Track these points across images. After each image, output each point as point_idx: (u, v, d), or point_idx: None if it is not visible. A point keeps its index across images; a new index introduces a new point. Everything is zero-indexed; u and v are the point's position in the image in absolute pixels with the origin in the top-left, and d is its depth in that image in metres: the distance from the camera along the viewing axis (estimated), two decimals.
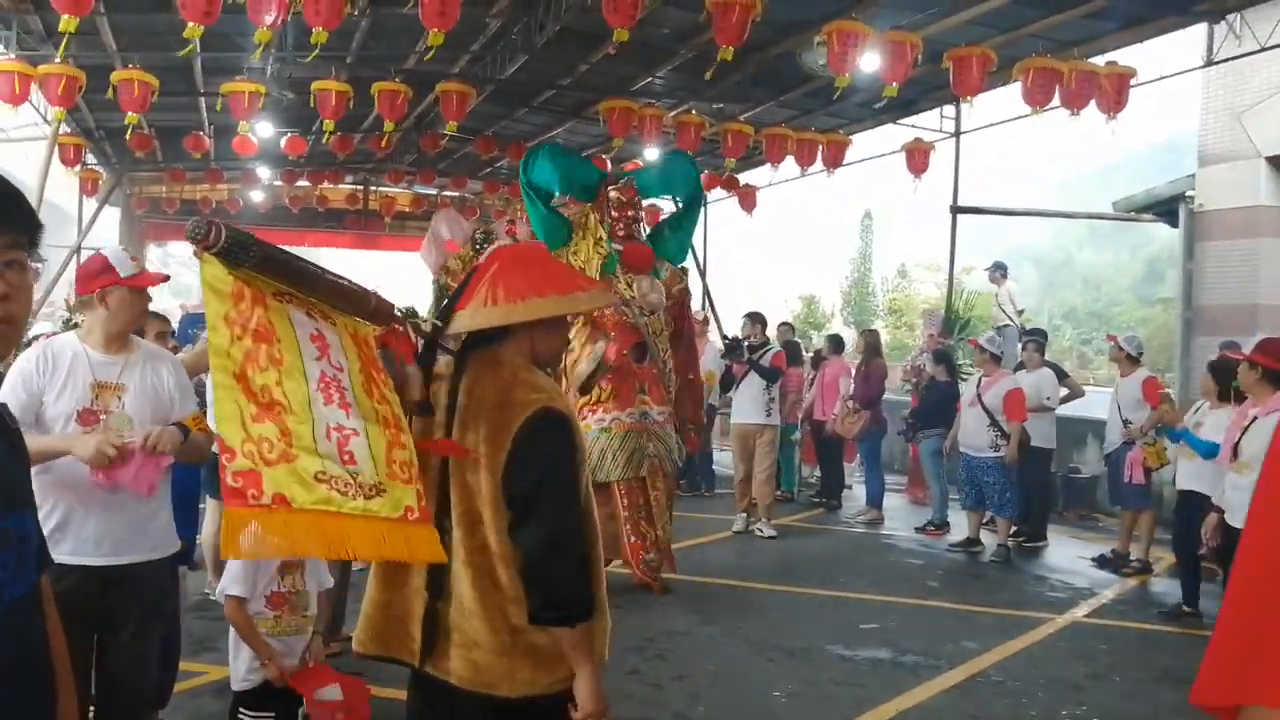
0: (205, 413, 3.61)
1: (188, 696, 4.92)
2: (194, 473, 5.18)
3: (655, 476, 7.26)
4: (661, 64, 12.31)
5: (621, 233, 7.53)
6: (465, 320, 2.55)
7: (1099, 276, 51.93)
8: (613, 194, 7.62)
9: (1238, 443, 5.98)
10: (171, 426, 3.31)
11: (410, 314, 2.62)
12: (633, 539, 7.18)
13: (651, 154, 13.64)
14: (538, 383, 2.53)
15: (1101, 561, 8.95)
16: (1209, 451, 6.58)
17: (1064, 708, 5.45)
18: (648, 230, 8.24)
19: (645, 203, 8.63)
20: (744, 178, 17.39)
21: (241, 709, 3.77)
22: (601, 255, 7.35)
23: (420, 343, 2.60)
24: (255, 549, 2.13)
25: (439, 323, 2.58)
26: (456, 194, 21.12)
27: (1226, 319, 11.84)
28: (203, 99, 14.00)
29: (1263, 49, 10.65)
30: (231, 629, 3.76)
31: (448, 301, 2.64)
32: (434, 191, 21.63)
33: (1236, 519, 5.84)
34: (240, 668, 3.76)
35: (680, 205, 8.07)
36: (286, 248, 2.33)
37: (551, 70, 12.66)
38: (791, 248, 72.91)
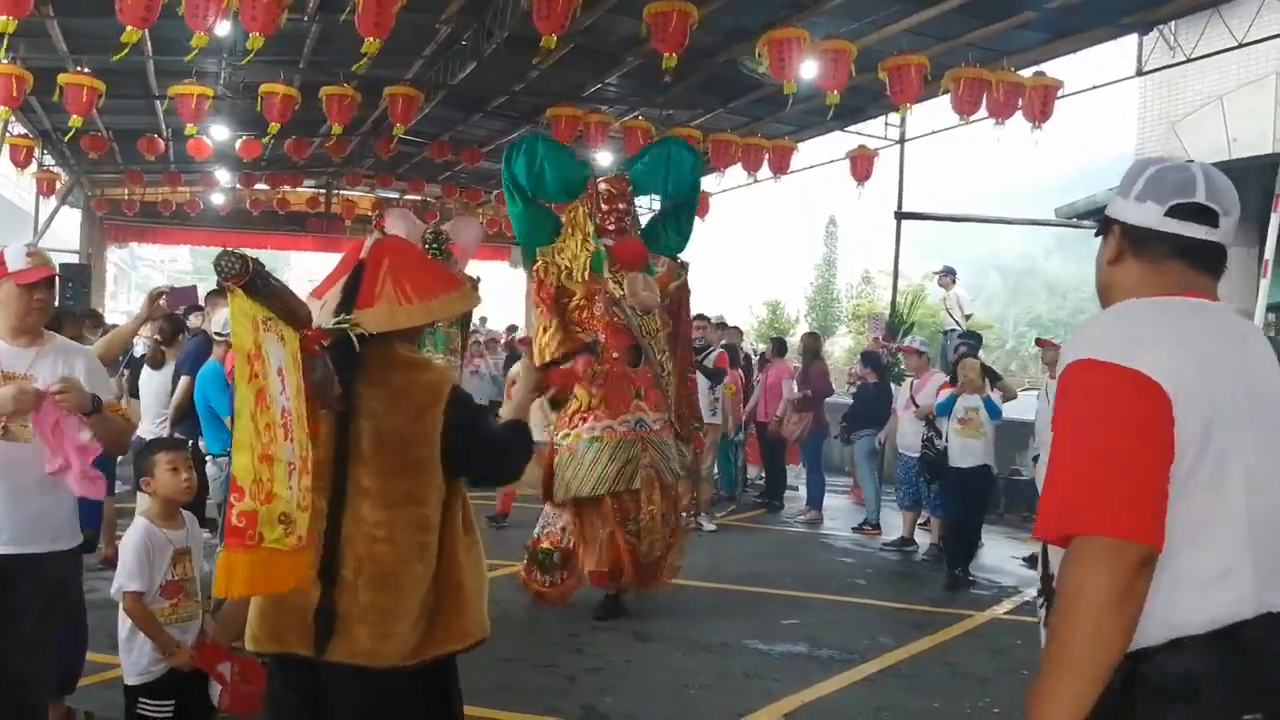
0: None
1: (102, 688, 5.00)
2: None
3: (651, 489, 6.72)
4: (611, 71, 12.45)
5: (611, 227, 7.02)
6: (384, 319, 2.68)
7: (1064, 284, 52.37)
8: (602, 186, 7.12)
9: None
10: (82, 388, 3.42)
11: (340, 322, 2.72)
12: (626, 551, 6.73)
13: (605, 159, 13.79)
14: (433, 365, 2.92)
15: (1031, 561, 9.11)
16: None
17: (969, 700, 5.58)
18: (640, 225, 7.73)
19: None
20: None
21: (143, 700, 3.81)
22: (589, 252, 6.85)
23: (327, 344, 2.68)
24: (250, 589, 2.28)
25: (348, 319, 2.68)
26: (417, 197, 21.22)
27: None
28: (158, 102, 14.05)
29: (1189, 59, 10.91)
30: (121, 625, 3.81)
31: (342, 300, 2.72)
32: (395, 195, 21.74)
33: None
34: (141, 661, 3.79)
35: (675, 197, 7.52)
36: (249, 251, 2.41)
37: (503, 76, 12.78)
38: (757, 254, 73.26)
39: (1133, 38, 11.47)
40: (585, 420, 6.71)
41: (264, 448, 2.23)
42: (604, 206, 7.05)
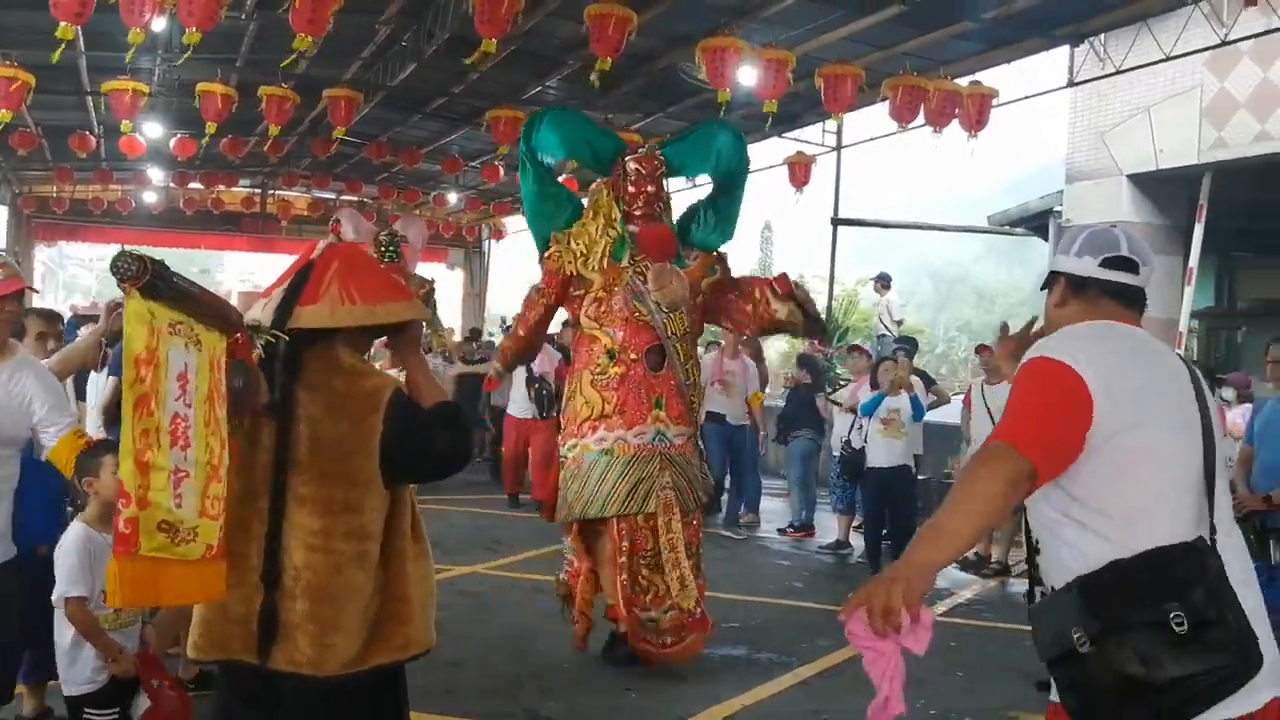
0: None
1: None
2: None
3: (670, 514, 5.76)
4: (552, 74, 12.47)
5: (639, 211, 6.14)
6: (324, 317, 2.66)
7: (993, 290, 53.17)
8: (630, 165, 6.20)
9: None
10: None
11: (254, 328, 2.69)
12: (631, 593, 5.78)
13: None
14: (374, 370, 2.83)
15: (964, 564, 9.28)
16: None
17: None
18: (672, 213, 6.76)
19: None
20: None
21: (89, 711, 3.76)
22: (611, 237, 6.02)
23: (260, 349, 2.68)
24: (135, 599, 2.28)
25: (283, 314, 2.66)
26: (354, 198, 21.05)
27: None
28: (90, 98, 13.81)
29: (1119, 71, 11.19)
30: (61, 634, 3.76)
31: (285, 296, 2.70)
32: (332, 196, 21.56)
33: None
34: (84, 671, 3.75)
35: (720, 182, 6.63)
36: (182, 250, 2.32)
37: (443, 77, 12.74)
38: None
39: (1065, 49, 11.75)
40: (595, 430, 5.84)
41: (138, 454, 2.18)
42: (631, 188, 6.16)
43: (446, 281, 24.48)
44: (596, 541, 5.95)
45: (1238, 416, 7.72)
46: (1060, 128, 13.98)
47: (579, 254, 6.03)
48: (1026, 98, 11.88)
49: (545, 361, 10.96)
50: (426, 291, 8.56)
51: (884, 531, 9.04)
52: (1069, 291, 2.46)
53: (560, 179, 6.62)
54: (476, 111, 14.17)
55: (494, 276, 27.37)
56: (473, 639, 6.31)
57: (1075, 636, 2.14)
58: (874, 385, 9.38)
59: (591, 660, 6.12)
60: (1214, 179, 12.67)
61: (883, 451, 8.96)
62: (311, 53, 9.09)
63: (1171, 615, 2.05)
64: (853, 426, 9.45)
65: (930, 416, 10.37)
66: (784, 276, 6.43)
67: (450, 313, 22.78)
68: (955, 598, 8.22)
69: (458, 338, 16.51)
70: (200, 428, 2.34)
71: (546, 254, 6.23)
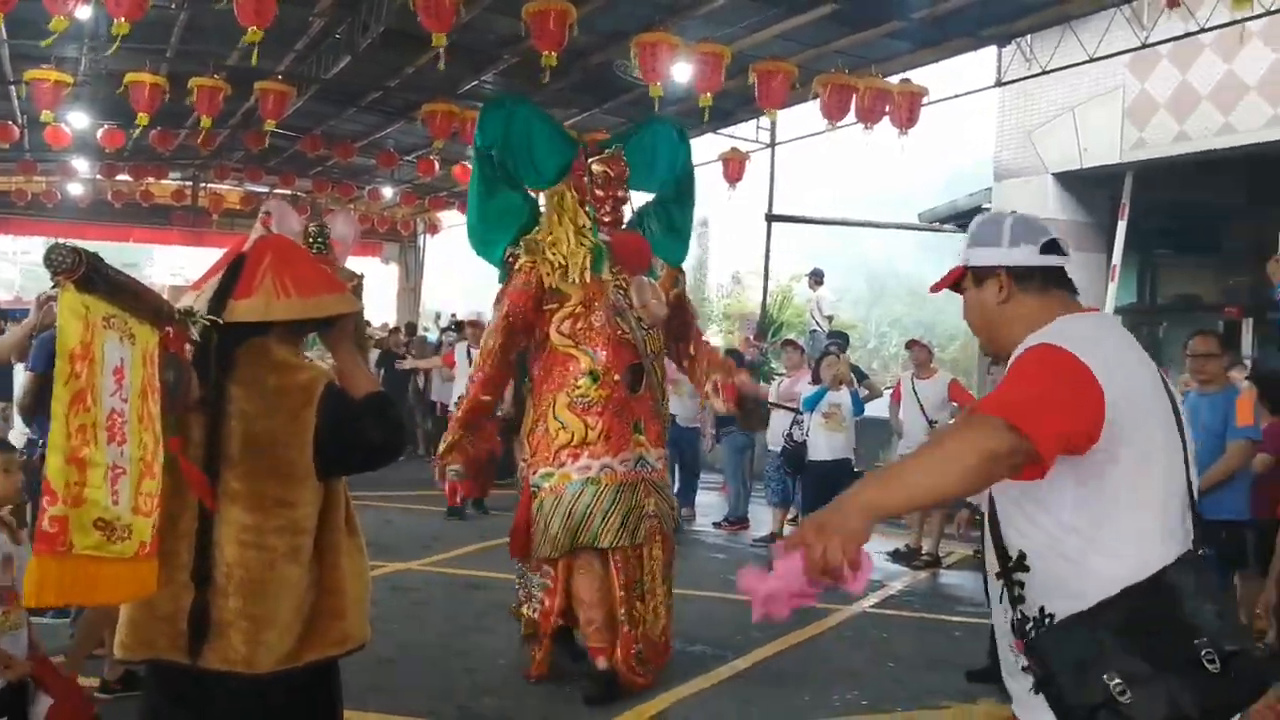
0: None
1: None
2: None
3: (653, 541, 5.49)
4: (488, 68, 12.43)
5: (608, 218, 5.70)
6: (259, 310, 2.64)
7: (923, 286, 53.61)
8: (596, 167, 5.67)
9: None
10: None
11: (186, 314, 2.66)
12: (626, 626, 5.41)
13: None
14: (307, 364, 2.79)
15: (896, 555, 9.45)
16: None
17: (836, 693, 5.74)
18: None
19: None
20: None
21: None
22: (589, 247, 5.51)
23: (192, 343, 2.64)
24: (61, 598, 2.22)
25: (216, 307, 2.63)
26: (287, 192, 20.76)
27: None
28: (12, 88, 13.49)
29: (1044, 72, 11.45)
30: None
31: (219, 290, 2.68)
32: (264, 189, 21.26)
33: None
34: None
35: (667, 189, 6.26)
36: (111, 244, 2.25)
37: (378, 71, 12.63)
38: None
39: (992, 49, 11.97)
40: (576, 457, 5.33)
41: (74, 450, 2.14)
42: (599, 192, 5.66)
43: (381, 276, 24.30)
44: (585, 576, 5.43)
45: None
46: (989, 127, 14.26)
47: (557, 265, 5.46)
48: (955, 96, 12.12)
49: None
50: (355, 285, 8.49)
51: None
52: (1011, 284, 2.32)
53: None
54: (412, 105, 14.07)
55: (429, 271, 27.21)
56: (408, 636, 6.31)
57: (1114, 685, 1.96)
58: (815, 380, 9.51)
59: (524, 656, 6.13)
60: (1136, 178, 13.01)
61: (824, 445, 9.16)
62: (252, 44, 8.95)
63: (1204, 653, 1.95)
64: (794, 421, 9.58)
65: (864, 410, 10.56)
66: (731, 388, 6.04)
67: (385, 308, 22.59)
68: (886, 590, 8.35)
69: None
70: (135, 423, 2.31)
71: (517, 266, 5.59)
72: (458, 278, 28.51)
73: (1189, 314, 14.59)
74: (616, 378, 5.38)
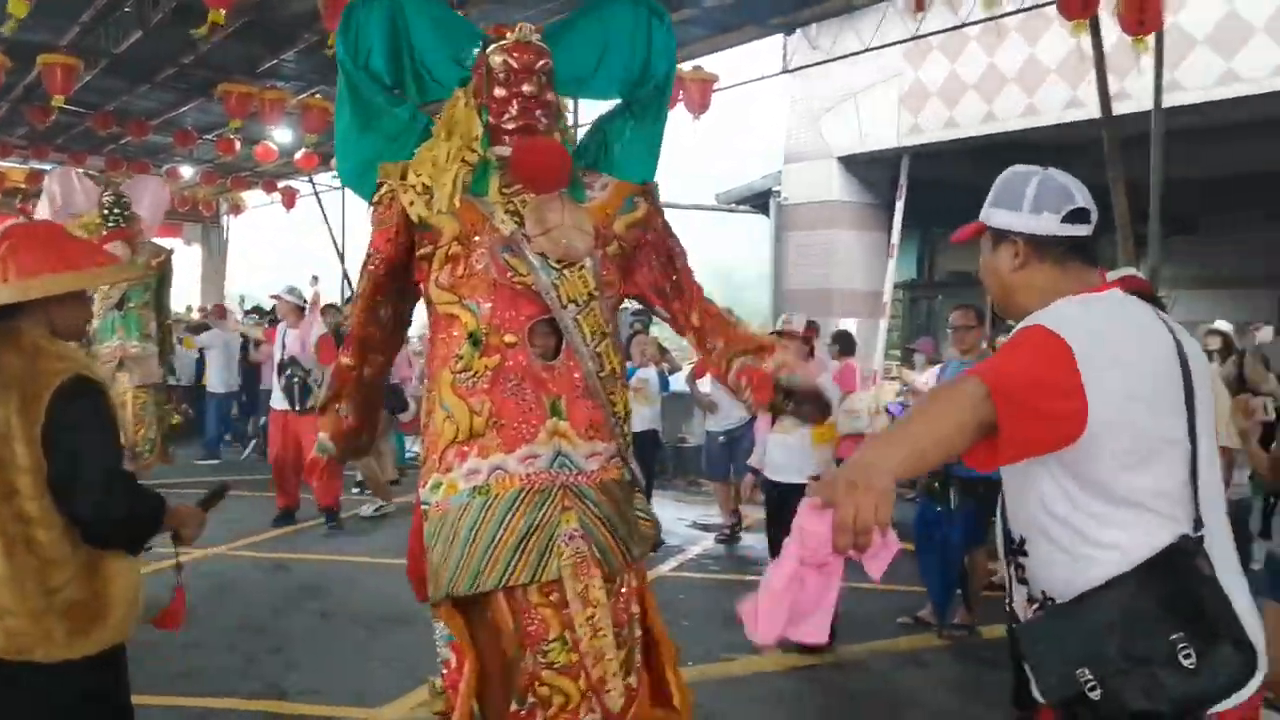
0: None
1: None
2: None
3: (586, 578, 3.41)
4: (286, 47, 12.30)
5: (511, 125, 3.69)
6: None
7: (725, 266, 54.95)
8: (496, 58, 3.66)
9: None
10: None
11: None
12: (515, 707, 3.39)
13: (283, 137, 13.48)
14: (64, 352, 2.70)
15: (696, 525, 9.91)
16: None
17: None
18: (570, 131, 4.28)
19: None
20: None
21: None
22: (470, 162, 3.69)
23: None
24: None
25: None
26: (79, 170, 19.86)
27: (808, 301, 13.39)
28: None
29: (827, 60, 12.15)
30: None
31: None
32: (53, 167, 20.26)
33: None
34: None
35: (636, 86, 4.14)
36: None
37: (172, 47, 12.27)
38: None
39: (779, 37, 12.59)
40: (464, 457, 3.51)
41: None
42: (499, 90, 3.70)
43: (184, 257, 23.51)
44: (480, 628, 3.55)
45: (930, 379, 8.58)
46: (781, 111, 14.90)
47: (418, 189, 3.67)
48: (745, 83, 12.68)
49: (296, 338, 9.24)
50: (161, 261, 8.26)
51: None
52: (1030, 252, 2.23)
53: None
54: (209, 83, 13.76)
55: (233, 253, 26.45)
56: (214, 620, 6.34)
57: (1084, 681, 1.99)
58: (626, 358, 9.83)
59: (337, 634, 6.27)
60: (912, 161, 13.88)
61: (634, 417, 9.39)
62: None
63: (1180, 648, 1.95)
64: None
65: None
66: (762, 377, 3.82)
67: (189, 290, 21.93)
68: (685, 554, 8.81)
69: (195, 315, 15.98)
70: None
71: (374, 196, 3.86)
72: (263, 259, 27.82)
73: (963, 288, 15.52)
74: (509, 339, 3.55)
